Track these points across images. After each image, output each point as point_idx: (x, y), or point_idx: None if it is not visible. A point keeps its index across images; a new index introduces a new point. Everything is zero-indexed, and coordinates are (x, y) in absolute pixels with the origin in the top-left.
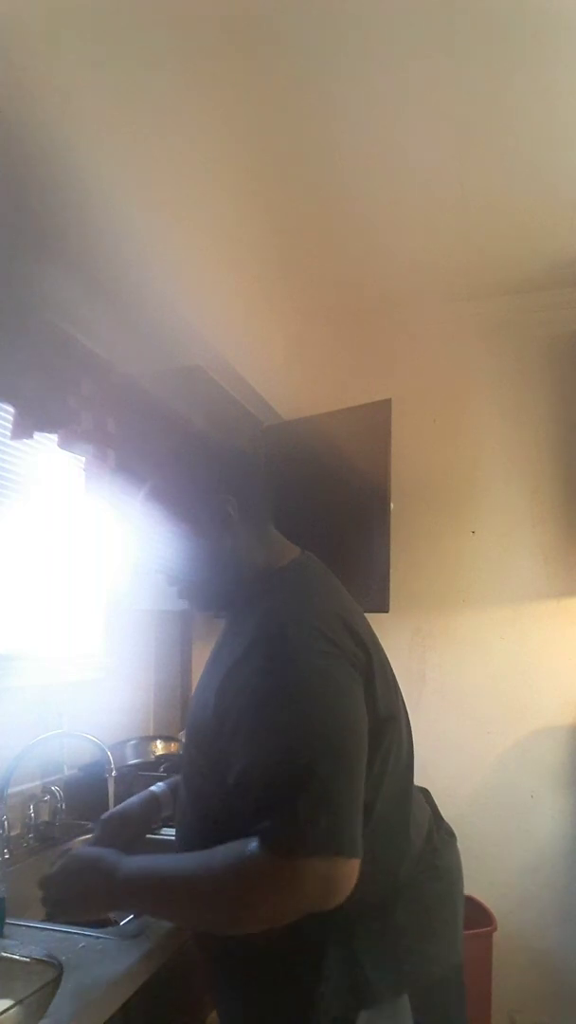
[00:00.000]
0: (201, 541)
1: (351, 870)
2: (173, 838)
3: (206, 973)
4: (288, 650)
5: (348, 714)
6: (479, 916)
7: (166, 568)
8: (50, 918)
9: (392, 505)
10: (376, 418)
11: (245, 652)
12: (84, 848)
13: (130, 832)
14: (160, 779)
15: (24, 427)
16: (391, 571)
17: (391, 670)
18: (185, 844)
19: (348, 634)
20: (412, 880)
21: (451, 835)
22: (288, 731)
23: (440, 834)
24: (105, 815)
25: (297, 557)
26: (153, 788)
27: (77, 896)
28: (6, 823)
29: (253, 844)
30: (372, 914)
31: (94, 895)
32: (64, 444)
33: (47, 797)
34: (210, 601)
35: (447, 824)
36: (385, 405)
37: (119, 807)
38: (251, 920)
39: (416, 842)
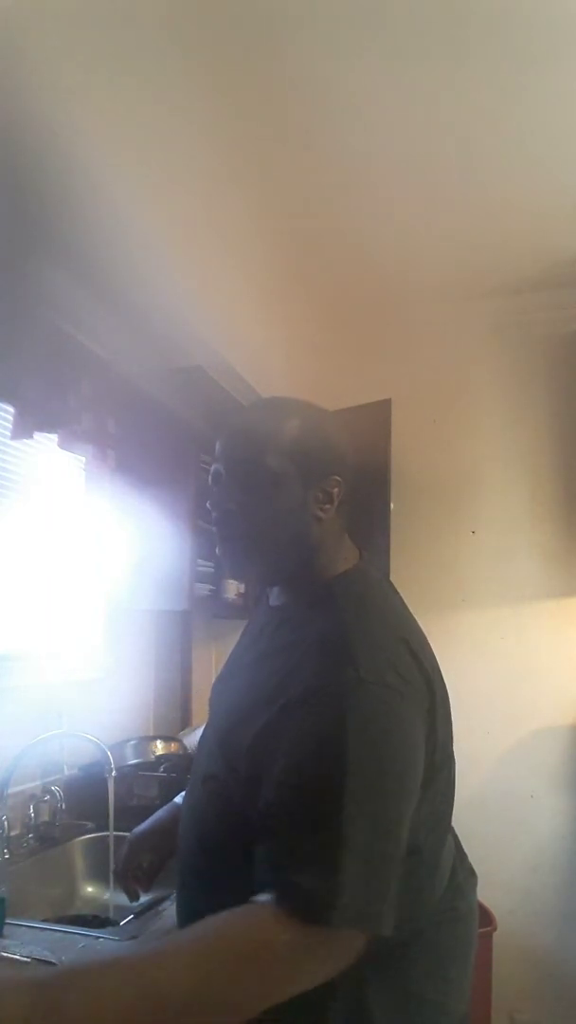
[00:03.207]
0: (294, 508)
1: (366, 942)
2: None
3: None
4: (359, 688)
5: (410, 771)
6: (479, 916)
7: (247, 522)
8: None
9: (392, 505)
10: (376, 418)
11: (310, 673)
12: None
13: (164, 850)
14: (160, 779)
15: (24, 427)
16: (391, 571)
17: (448, 699)
18: (199, 845)
19: (416, 667)
20: (430, 923)
21: (472, 874)
22: (348, 785)
23: (463, 873)
24: (134, 835)
25: (359, 563)
26: (178, 799)
27: None
28: (6, 823)
29: (275, 908)
30: (387, 959)
31: None
32: (64, 444)
33: (47, 797)
34: (266, 571)
35: (469, 863)
36: (385, 405)
37: (148, 823)
38: (271, 999)
39: (440, 885)
